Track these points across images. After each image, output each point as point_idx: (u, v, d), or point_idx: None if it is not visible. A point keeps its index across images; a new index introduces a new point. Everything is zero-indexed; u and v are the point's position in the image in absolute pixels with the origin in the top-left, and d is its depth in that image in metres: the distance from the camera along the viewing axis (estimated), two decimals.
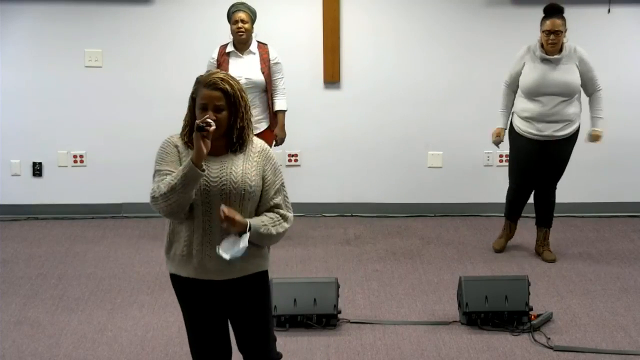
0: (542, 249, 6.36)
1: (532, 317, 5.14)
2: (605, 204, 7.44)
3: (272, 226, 3.51)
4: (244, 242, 3.41)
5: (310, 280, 5.23)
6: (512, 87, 6.20)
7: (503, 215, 6.54)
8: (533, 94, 6.06)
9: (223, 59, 6.34)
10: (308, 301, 5.13)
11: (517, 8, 7.20)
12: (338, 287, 5.19)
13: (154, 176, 3.48)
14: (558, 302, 5.56)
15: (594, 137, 6.21)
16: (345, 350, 4.90)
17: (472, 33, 7.24)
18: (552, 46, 5.99)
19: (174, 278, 3.59)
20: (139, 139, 7.32)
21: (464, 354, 4.85)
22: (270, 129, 6.42)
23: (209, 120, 3.35)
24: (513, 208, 6.43)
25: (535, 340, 4.98)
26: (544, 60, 6.04)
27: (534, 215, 6.44)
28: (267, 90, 6.36)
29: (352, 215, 7.42)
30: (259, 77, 6.33)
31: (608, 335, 5.07)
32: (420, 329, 5.17)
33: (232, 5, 6.39)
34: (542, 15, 6.03)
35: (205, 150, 3.33)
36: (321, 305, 5.12)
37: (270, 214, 3.54)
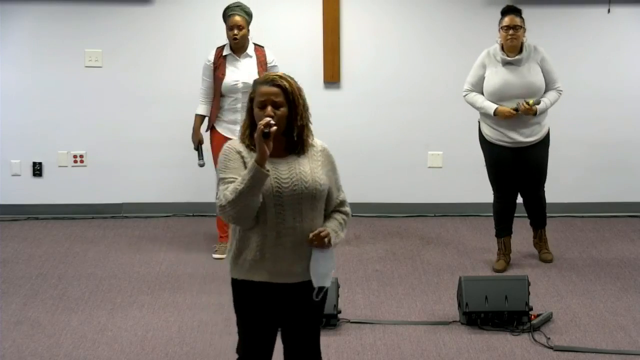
0: (539, 248, 6.34)
1: (532, 317, 5.14)
2: (605, 204, 7.42)
3: (342, 230, 3.60)
4: (333, 261, 3.50)
5: None
6: (477, 91, 6.04)
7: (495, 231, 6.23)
8: (498, 99, 5.92)
9: (220, 62, 6.22)
10: None
11: None
12: (338, 287, 5.19)
13: (218, 184, 3.44)
14: (558, 302, 5.55)
15: (525, 108, 5.81)
16: (345, 350, 4.90)
17: (472, 33, 7.23)
18: (511, 41, 5.87)
19: (244, 284, 3.49)
20: (139, 139, 7.33)
21: (464, 354, 4.85)
22: None
23: (271, 122, 3.33)
24: (501, 220, 6.14)
25: (535, 340, 4.98)
26: (505, 64, 5.92)
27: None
28: None
29: (352, 215, 7.40)
30: None
31: (608, 335, 5.07)
32: (420, 329, 5.17)
33: (228, 8, 6.22)
34: (500, 17, 5.97)
35: (268, 151, 3.31)
36: None
37: (339, 217, 3.61)
